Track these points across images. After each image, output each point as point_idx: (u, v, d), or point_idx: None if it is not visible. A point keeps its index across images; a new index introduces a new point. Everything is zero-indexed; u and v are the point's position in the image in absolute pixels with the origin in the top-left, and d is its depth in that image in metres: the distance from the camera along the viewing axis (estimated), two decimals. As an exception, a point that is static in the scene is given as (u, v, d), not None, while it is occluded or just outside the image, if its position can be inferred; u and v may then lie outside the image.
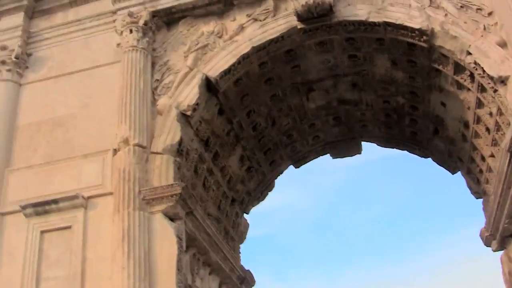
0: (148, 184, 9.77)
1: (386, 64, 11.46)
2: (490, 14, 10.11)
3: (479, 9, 10.22)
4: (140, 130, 10.20)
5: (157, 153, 10.14)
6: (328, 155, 14.06)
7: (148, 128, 10.33)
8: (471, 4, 10.27)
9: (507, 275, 11.94)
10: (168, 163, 10.06)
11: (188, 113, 10.38)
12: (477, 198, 12.95)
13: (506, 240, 11.91)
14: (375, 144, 13.63)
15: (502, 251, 12.20)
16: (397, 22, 10.35)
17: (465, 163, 12.49)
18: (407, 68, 11.36)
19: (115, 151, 10.16)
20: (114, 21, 11.44)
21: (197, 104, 10.46)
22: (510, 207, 10.40)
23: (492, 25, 10.03)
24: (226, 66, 10.59)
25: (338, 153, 13.95)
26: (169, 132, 10.27)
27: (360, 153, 13.98)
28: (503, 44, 9.76)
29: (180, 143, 10.22)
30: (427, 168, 39.37)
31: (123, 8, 11.33)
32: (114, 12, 11.46)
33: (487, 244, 12.54)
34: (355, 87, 12.20)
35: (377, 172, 36.40)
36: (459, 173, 13.07)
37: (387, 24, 10.44)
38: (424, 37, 10.26)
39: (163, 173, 9.89)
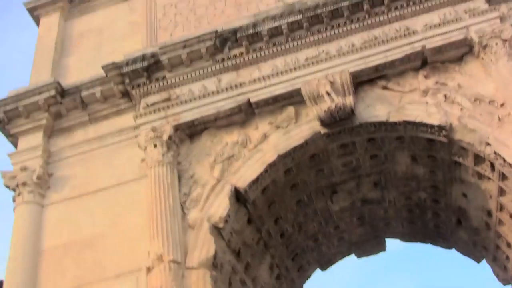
0: (187, 301, 9.61)
1: (406, 160, 11.69)
2: (502, 105, 10.46)
3: (492, 101, 10.58)
4: (174, 245, 10.08)
5: (192, 268, 10.02)
6: (353, 255, 14.07)
7: (181, 243, 10.25)
8: (484, 97, 10.64)
9: None
10: (205, 278, 9.92)
11: (220, 225, 10.35)
12: (504, 285, 12.98)
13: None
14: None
15: None
16: (417, 120, 10.65)
17: (490, 251, 12.56)
18: (428, 163, 11.60)
19: (149, 269, 9.97)
20: (136, 136, 11.50)
21: (228, 215, 10.46)
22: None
23: (506, 115, 10.37)
24: (254, 176, 10.68)
25: (362, 252, 14.04)
26: (203, 246, 10.18)
27: (384, 250, 14.03)
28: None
29: (215, 256, 10.14)
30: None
31: (145, 123, 11.44)
32: (136, 127, 11.55)
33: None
34: (377, 186, 12.38)
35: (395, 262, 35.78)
36: (483, 261, 13.13)
37: (407, 122, 10.73)
38: (444, 132, 10.55)
39: (201, 288, 9.76)
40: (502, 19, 10.88)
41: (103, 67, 11.88)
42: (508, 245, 11.77)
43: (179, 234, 10.31)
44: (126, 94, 12.03)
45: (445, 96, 10.77)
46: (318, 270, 14.06)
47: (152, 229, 10.29)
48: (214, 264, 10.17)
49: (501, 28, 10.68)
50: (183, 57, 11.49)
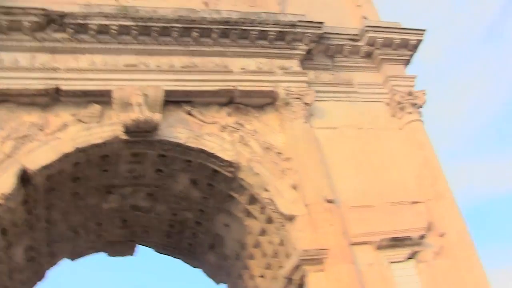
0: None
1: (186, 182, 12.51)
2: (288, 159, 11.93)
3: (279, 153, 11.99)
4: None
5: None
6: (104, 252, 14.38)
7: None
8: (273, 147, 12.00)
9: None
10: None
11: (0, 201, 10.08)
12: (236, 309, 14.44)
13: None
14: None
15: None
16: (211, 151, 11.58)
17: (231, 278, 13.94)
18: (205, 190, 12.57)
19: None
20: None
21: (10, 194, 10.22)
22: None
23: (288, 169, 11.83)
24: (47, 162, 10.59)
25: (113, 252, 14.43)
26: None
27: (132, 255, 14.54)
28: (295, 187, 11.60)
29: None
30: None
31: None
32: None
33: None
34: (151, 197, 13.00)
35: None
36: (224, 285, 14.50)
37: (202, 151, 11.58)
38: (231, 169, 11.64)
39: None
40: (309, 84, 12.39)
41: None
42: (251, 277, 13.23)
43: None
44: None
45: (241, 136, 11.88)
46: (66, 260, 14.11)
47: None
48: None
49: (306, 92, 12.16)
50: (3, 23, 10.96)
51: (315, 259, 10.76)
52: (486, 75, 43.75)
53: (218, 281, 14.58)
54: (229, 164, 11.59)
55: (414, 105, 13.39)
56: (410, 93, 13.46)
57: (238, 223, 12.75)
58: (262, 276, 12.97)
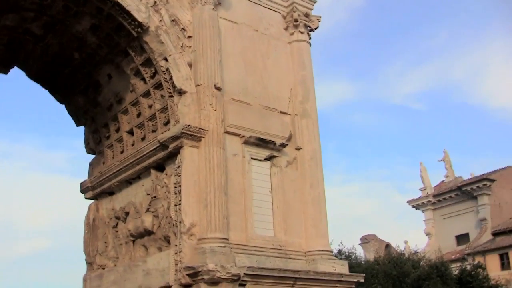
0: None
1: (87, 25, 12.78)
2: (190, 38, 12.80)
3: (184, 29, 12.82)
4: None
5: None
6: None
7: None
8: (180, 23, 12.81)
9: (90, 220, 14.67)
10: None
11: None
12: (88, 153, 15.28)
13: (102, 196, 14.68)
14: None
15: (93, 201, 14.89)
16: (127, 8, 12.07)
17: (95, 124, 14.68)
18: (103, 38, 13.00)
19: None
20: None
21: None
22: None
23: (188, 46, 12.75)
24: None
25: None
26: None
27: (6, 73, 14.38)
28: (190, 65, 12.59)
29: None
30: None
31: None
32: None
33: (83, 191, 15.05)
34: (48, 28, 12.98)
35: None
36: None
37: (117, 4, 12.01)
38: (139, 29, 12.26)
39: None
40: None
41: None
42: (118, 129, 14.14)
43: None
44: None
45: (155, 2, 12.49)
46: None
47: None
48: None
49: None
50: None
51: (194, 136, 12.01)
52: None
53: (79, 123, 15.16)
54: (139, 25, 12.19)
55: (307, 27, 14.81)
56: (307, 15, 14.83)
57: (123, 78, 13.42)
58: (129, 132, 13.92)
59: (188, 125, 11.95)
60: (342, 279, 12.90)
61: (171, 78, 12.34)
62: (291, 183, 13.41)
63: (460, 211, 40.03)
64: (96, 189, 14.74)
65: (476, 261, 30.50)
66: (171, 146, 12.23)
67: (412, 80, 79.58)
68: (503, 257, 35.20)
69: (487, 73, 77.50)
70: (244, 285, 11.52)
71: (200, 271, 10.99)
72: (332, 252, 13.84)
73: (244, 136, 12.80)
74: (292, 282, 12.14)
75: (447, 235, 40.00)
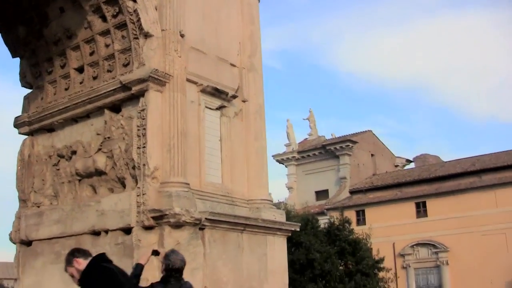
0: None
1: None
2: None
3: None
4: None
5: None
6: None
7: None
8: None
9: (25, 156, 14.22)
10: None
11: None
12: (22, 86, 14.67)
13: (39, 132, 14.26)
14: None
15: (28, 136, 14.41)
16: None
17: (35, 57, 14.11)
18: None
19: None
20: None
21: None
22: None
23: None
24: None
25: None
26: None
27: None
28: (157, 10, 12.59)
29: None
30: None
31: None
32: None
33: (18, 126, 14.51)
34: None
35: None
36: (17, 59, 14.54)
37: None
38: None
39: None
40: None
41: None
42: (64, 65, 13.75)
43: None
44: None
45: None
46: None
47: None
48: None
49: None
50: None
51: (160, 80, 12.10)
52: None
53: (15, 55, 14.40)
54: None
55: (258, -16, 15.23)
56: (257, -29, 15.21)
57: (78, 14, 13.03)
58: (78, 70, 13.60)
59: (156, 69, 12.01)
60: (283, 227, 13.84)
61: (138, 20, 12.24)
62: (237, 133, 13.96)
63: (322, 168, 42.70)
64: (34, 124, 14.24)
65: (339, 216, 32.36)
66: (135, 88, 12.20)
67: (268, 38, 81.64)
68: (359, 214, 38.33)
69: (341, 39, 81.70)
70: (203, 229, 12.02)
71: (167, 214, 11.29)
72: (272, 201, 14.66)
73: (201, 85, 13.09)
74: (242, 228, 12.83)
75: (308, 190, 42.55)
